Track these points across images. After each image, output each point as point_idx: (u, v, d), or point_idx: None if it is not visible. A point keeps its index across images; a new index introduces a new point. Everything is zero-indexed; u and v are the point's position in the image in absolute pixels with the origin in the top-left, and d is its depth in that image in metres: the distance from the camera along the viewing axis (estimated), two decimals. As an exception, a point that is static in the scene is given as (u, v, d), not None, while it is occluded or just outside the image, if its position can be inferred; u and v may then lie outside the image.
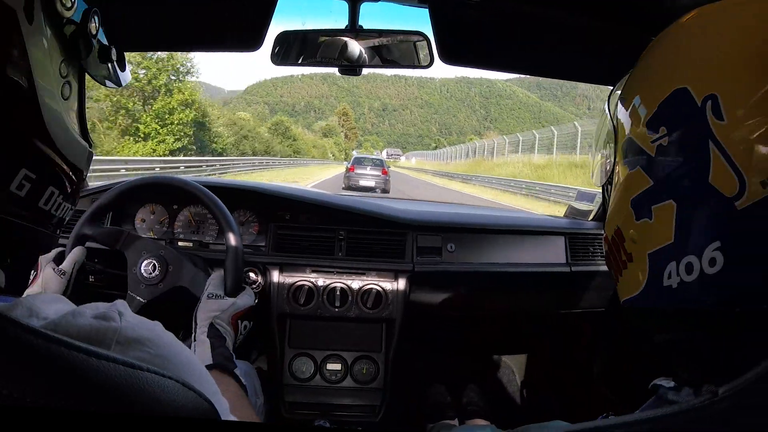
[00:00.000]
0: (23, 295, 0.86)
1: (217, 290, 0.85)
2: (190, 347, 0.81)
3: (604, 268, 1.37)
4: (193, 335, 0.81)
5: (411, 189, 15.82)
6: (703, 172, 0.33)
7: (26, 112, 0.39)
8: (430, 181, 25.64)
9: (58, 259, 0.91)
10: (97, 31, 0.49)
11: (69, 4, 0.43)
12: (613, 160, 0.44)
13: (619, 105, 0.44)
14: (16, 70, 0.37)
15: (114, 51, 0.54)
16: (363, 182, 14.09)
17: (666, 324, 0.41)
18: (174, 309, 0.98)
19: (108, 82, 0.57)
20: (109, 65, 0.54)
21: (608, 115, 0.47)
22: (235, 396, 0.70)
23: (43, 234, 0.44)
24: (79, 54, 0.47)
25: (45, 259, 0.90)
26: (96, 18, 0.48)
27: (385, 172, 14.75)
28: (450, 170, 30.20)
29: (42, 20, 0.40)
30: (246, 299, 0.87)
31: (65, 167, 0.44)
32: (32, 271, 0.90)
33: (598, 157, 0.53)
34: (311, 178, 18.65)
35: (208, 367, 0.73)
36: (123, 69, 0.58)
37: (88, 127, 0.53)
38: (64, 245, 0.96)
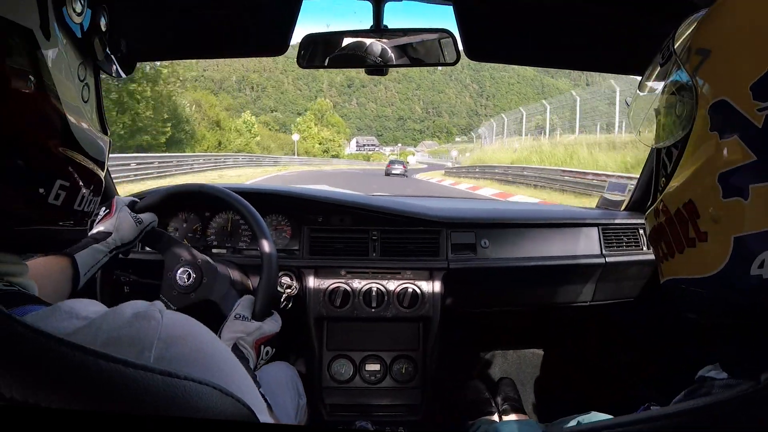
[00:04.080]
0: (93, 229, 0.86)
1: (244, 311, 0.84)
2: None
3: (639, 257, 1.36)
4: None
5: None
6: None
7: (55, 127, 0.39)
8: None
9: (130, 205, 0.93)
10: (107, 27, 0.48)
11: (79, 10, 0.43)
12: (687, 121, 0.38)
13: (699, 57, 0.37)
14: (42, 90, 0.37)
15: (123, 42, 0.53)
16: (394, 172, 24.87)
17: (726, 311, 0.38)
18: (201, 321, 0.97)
19: (118, 72, 0.57)
20: (118, 56, 0.54)
21: (679, 64, 0.40)
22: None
23: (78, 231, 0.45)
24: (95, 54, 0.47)
25: (121, 201, 0.92)
26: (105, 14, 0.48)
27: (404, 167, 26.15)
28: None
29: (57, 32, 0.40)
30: (272, 325, 0.86)
31: (91, 166, 0.44)
32: (102, 207, 0.91)
33: (649, 110, 0.46)
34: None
35: None
36: (131, 58, 0.58)
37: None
38: (137, 199, 0.97)
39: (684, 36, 0.41)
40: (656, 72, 0.46)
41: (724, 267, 0.35)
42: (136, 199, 0.96)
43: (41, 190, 0.39)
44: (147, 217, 0.94)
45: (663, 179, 0.43)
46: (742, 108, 0.33)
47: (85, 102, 0.45)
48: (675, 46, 0.42)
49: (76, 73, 0.43)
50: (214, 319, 0.90)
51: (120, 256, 0.91)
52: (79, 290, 0.80)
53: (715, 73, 0.35)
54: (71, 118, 0.41)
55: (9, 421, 0.23)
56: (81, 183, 0.43)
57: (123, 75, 0.59)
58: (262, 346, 0.84)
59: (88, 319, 0.33)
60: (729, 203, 0.34)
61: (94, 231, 0.87)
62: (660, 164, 0.45)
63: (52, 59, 0.39)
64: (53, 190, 0.39)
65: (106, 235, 0.86)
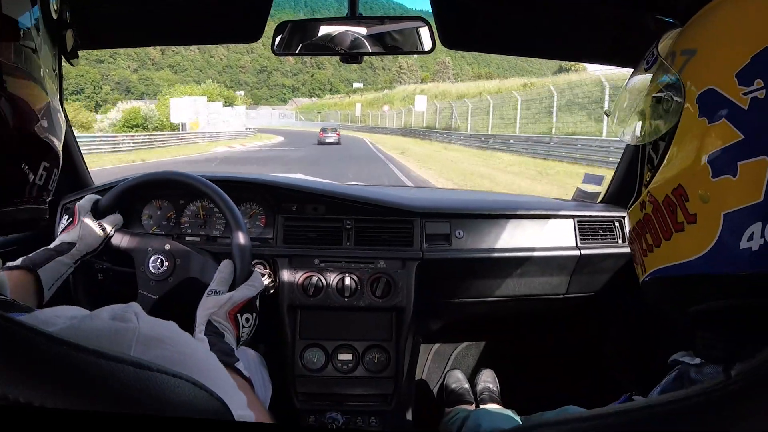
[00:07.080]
0: (57, 240, 0.86)
1: (218, 286, 0.82)
2: None
3: (614, 250, 1.35)
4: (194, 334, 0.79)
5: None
6: None
7: (42, 114, 0.42)
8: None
9: (93, 209, 0.93)
10: (70, 18, 0.51)
11: (56, 6, 0.47)
12: (674, 114, 0.41)
13: (685, 57, 0.41)
14: (34, 83, 0.41)
15: (75, 31, 0.56)
16: (328, 140, 24.27)
17: (711, 292, 0.39)
18: (187, 302, 0.97)
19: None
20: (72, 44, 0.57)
21: (665, 66, 0.44)
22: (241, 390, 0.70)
23: (44, 209, 0.48)
24: (66, 45, 0.50)
25: (82, 209, 0.91)
26: (66, 7, 0.50)
27: (338, 134, 25.75)
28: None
29: (44, 28, 0.43)
30: (244, 291, 0.82)
31: (59, 146, 0.48)
32: (65, 216, 0.92)
33: (634, 112, 0.49)
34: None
35: None
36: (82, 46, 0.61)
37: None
38: (99, 197, 0.97)
39: (666, 44, 0.46)
40: (641, 77, 0.49)
41: (714, 245, 0.36)
42: (98, 197, 0.95)
43: (28, 172, 0.42)
44: (111, 219, 0.94)
45: (649, 173, 0.46)
46: (729, 93, 0.36)
47: (56, 90, 0.48)
48: (657, 48, 0.46)
49: (52, 64, 0.47)
50: (199, 295, 0.85)
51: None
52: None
53: (702, 67, 0.39)
54: (52, 106, 0.45)
55: None
56: (55, 163, 0.47)
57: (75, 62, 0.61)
58: (239, 315, 0.81)
59: (65, 324, 0.34)
60: (718, 182, 0.36)
61: (58, 242, 0.87)
62: (645, 159, 0.48)
63: (41, 54, 0.42)
64: (39, 171, 0.43)
65: (70, 246, 0.86)
